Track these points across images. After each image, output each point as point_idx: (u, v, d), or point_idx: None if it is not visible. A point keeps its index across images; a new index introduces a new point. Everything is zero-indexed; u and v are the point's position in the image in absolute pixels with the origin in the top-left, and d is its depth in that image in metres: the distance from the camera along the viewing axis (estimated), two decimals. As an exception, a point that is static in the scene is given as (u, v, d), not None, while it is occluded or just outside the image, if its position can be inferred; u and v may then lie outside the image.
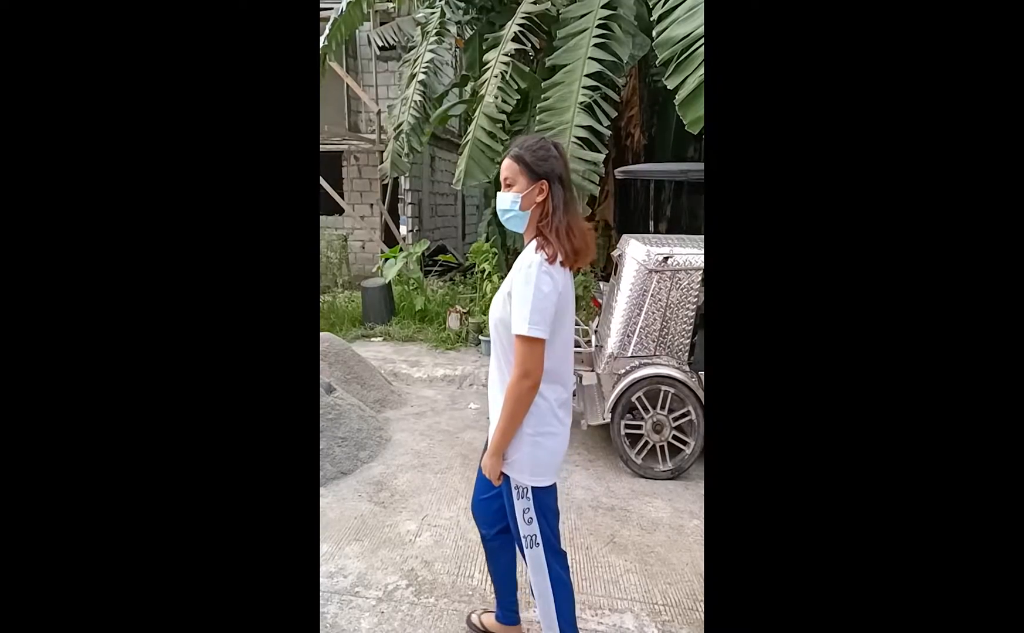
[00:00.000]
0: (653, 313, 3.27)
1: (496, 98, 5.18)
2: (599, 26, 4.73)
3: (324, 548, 2.57)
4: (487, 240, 6.76)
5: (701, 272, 3.21)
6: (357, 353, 4.67)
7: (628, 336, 3.30)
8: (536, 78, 5.52)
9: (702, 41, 3.45)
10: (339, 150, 9.89)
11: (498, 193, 1.59)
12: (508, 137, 6.13)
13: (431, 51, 6.71)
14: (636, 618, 2.18)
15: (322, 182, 8.46)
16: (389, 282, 6.76)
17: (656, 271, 3.25)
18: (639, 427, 3.34)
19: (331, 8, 7.42)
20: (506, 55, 5.29)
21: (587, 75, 4.58)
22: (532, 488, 1.57)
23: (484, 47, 6.20)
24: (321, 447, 3.30)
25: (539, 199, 1.53)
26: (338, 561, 2.48)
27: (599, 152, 4.46)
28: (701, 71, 3.42)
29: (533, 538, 1.60)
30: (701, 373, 3.30)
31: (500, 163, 1.55)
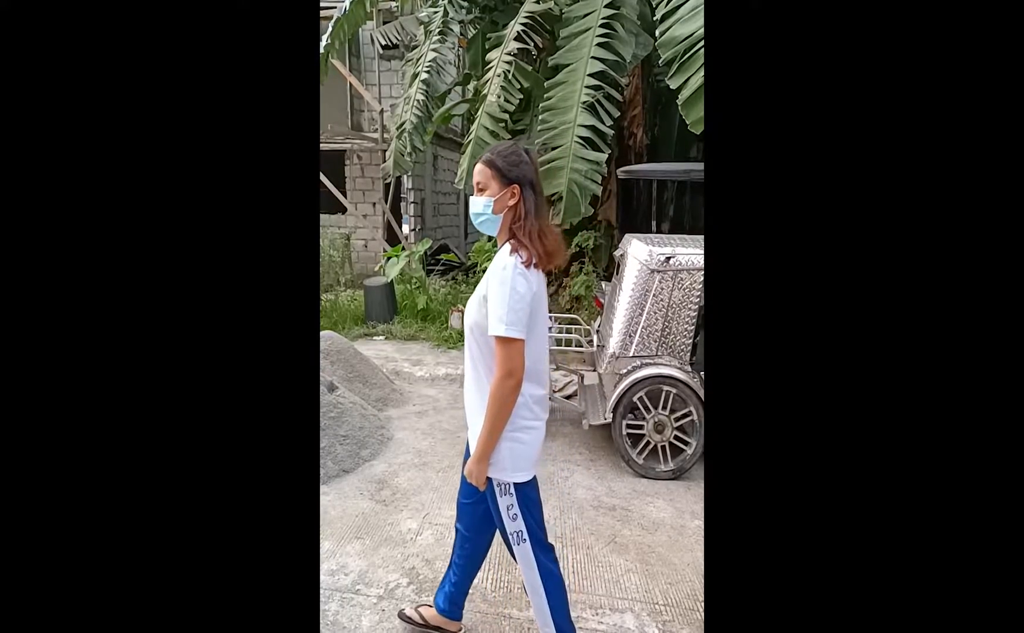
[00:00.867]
0: (655, 313, 3.27)
1: (499, 97, 5.18)
2: (602, 25, 4.72)
3: (325, 546, 2.58)
4: (489, 240, 6.77)
5: (703, 272, 3.21)
6: (359, 351, 4.67)
7: (630, 336, 3.30)
8: (539, 77, 5.52)
9: (705, 41, 3.43)
10: (342, 149, 9.89)
11: (470, 197, 1.63)
12: (511, 137, 6.13)
13: (434, 50, 6.71)
14: (637, 618, 2.18)
15: (325, 181, 8.48)
16: (391, 281, 6.77)
17: (658, 271, 3.25)
18: (641, 427, 3.34)
19: (334, 7, 7.42)
20: (509, 54, 5.29)
21: (590, 75, 4.57)
22: (514, 484, 1.60)
23: (487, 46, 6.19)
24: (323, 445, 3.30)
25: (511, 203, 1.58)
26: (339, 559, 2.49)
27: (602, 152, 4.46)
28: (704, 71, 3.41)
29: (520, 534, 1.64)
30: (703, 373, 3.30)
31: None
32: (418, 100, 6.49)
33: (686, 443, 3.31)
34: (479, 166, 1.60)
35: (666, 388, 3.26)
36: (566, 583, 1.65)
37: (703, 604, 2.22)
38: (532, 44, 5.60)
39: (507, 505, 1.62)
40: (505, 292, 1.47)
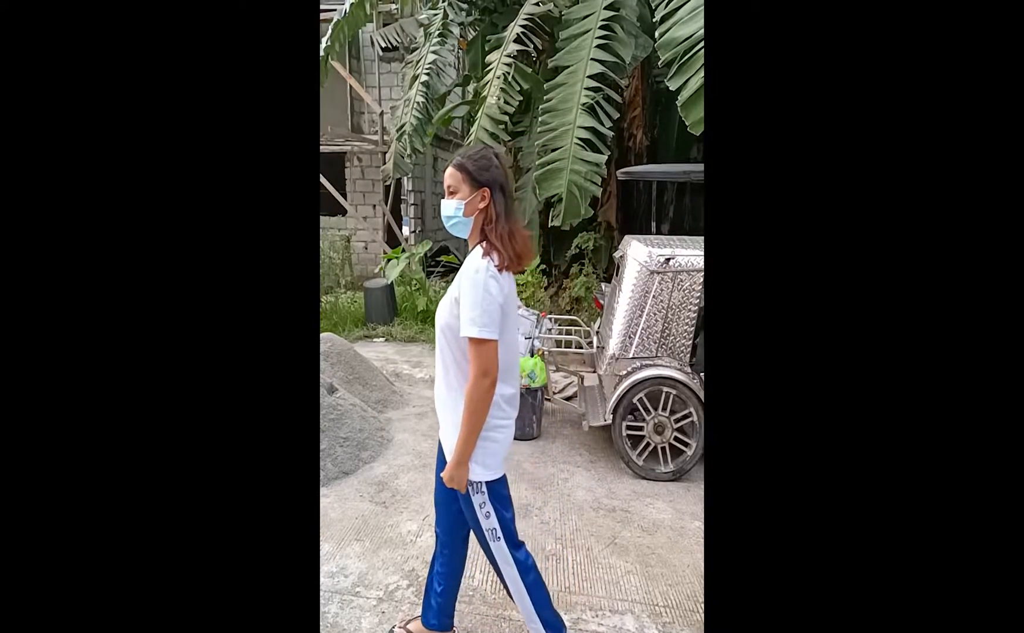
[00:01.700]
0: (655, 314, 3.27)
1: (498, 99, 5.19)
2: (601, 27, 4.73)
3: (325, 548, 2.57)
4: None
5: (703, 273, 3.21)
6: (359, 353, 4.67)
7: (630, 337, 3.30)
8: (538, 79, 5.53)
9: (704, 42, 3.44)
10: (342, 151, 9.90)
11: (442, 201, 1.67)
12: (510, 138, 6.14)
13: (434, 52, 6.72)
14: (637, 619, 2.18)
15: (325, 183, 8.48)
16: (391, 283, 6.78)
17: (658, 272, 3.25)
18: (641, 428, 3.33)
19: (334, 9, 7.44)
20: (509, 56, 5.30)
21: (589, 76, 4.58)
22: (486, 483, 1.63)
23: (487, 48, 6.21)
24: (323, 447, 3.30)
25: (481, 206, 1.61)
26: (339, 561, 2.49)
27: (601, 153, 4.46)
28: (703, 72, 3.42)
29: (494, 532, 1.67)
30: (703, 374, 3.30)
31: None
32: (418, 102, 6.50)
33: (686, 444, 3.31)
34: (450, 170, 1.64)
35: (666, 389, 3.26)
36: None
37: (703, 606, 2.22)
38: (532, 46, 5.61)
39: (479, 503, 1.65)
40: (478, 294, 1.51)
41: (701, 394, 3.22)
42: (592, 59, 4.62)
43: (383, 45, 9.48)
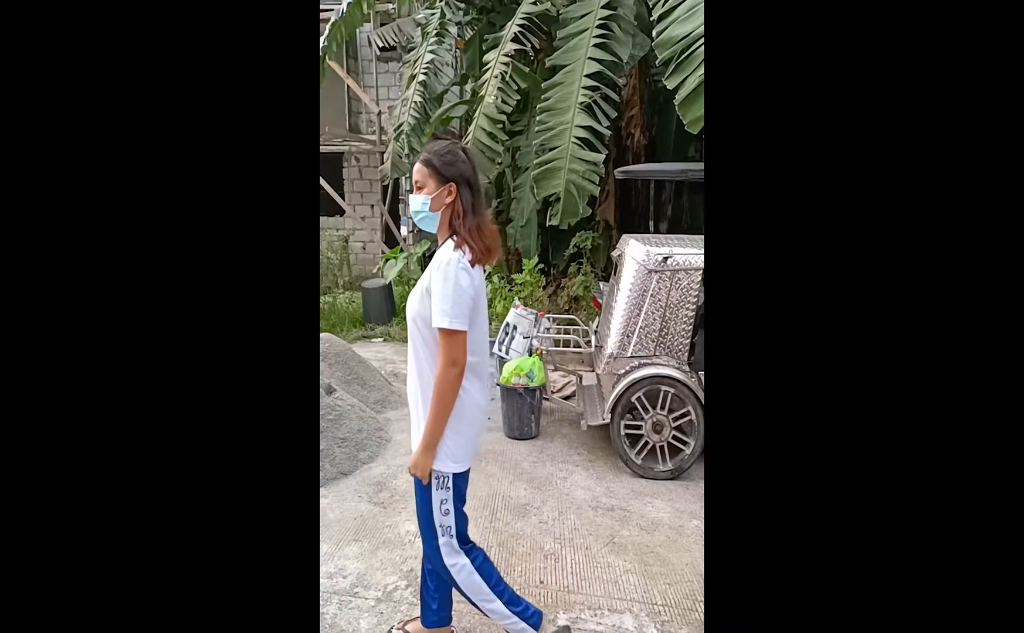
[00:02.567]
0: (653, 313, 3.27)
1: (496, 99, 5.18)
2: (599, 26, 4.73)
3: (324, 548, 2.57)
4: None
5: (701, 272, 3.21)
6: (357, 354, 4.67)
7: (628, 336, 3.30)
8: (536, 78, 5.53)
9: (702, 41, 3.45)
10: (340, 151, 9.89)
11: (410, 195, 1.70)
12: (508, 138, 6.14)
13: (431, 52, 6.71)
14: (635, 618, 2.18)
15: (323, 183, 8.46)
16: (390, 283, 6.77)
17: (656, 271, 3.25)
18: (639, 427, 3.33)
19: (331, 9, 7.42)
20: (506, 55, 5.29)
21: (587, 75, 4.58)
22: (453, 475, 1.67)
23: (484, 47, 6.20)
24: (321, 448, 3.29)
25: (448, 201, 1.64)
26: (338, 561, 2.48)
27: (599, 152, 4.46)
28: (701, 71, 3.42)
29: (448, 528, 1.69)
30: (701, 373, 3.30)
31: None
32: (416, 102, 6.49)
33: (684, 443, 3.31)
34: (417, 165, 1.66)
35: (664, 388, 3.26)
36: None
37: (702, 604, 2.23)
38: (529, 45, 5.60)
39: (441, 499, 1.67)
40: (449, 287, 1.54)
41: (699, 393, 3.22)
42: (590, 58, 4.62)
43: (380, 45, 9.46)
